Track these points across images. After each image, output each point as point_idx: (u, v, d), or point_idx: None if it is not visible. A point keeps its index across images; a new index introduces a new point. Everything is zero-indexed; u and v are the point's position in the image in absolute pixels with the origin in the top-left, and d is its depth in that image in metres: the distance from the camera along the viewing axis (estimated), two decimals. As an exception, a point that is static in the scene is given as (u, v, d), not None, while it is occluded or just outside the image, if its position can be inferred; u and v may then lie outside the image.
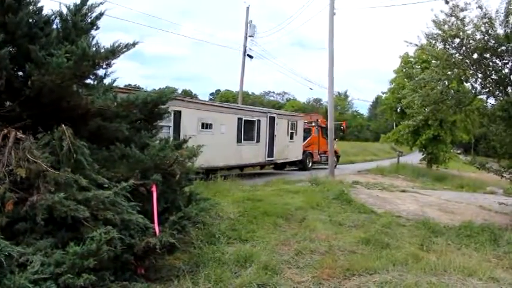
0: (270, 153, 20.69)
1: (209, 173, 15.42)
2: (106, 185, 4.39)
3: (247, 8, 30.24)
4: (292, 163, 23.84)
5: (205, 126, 16.30)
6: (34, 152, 4.04)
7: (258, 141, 19.76)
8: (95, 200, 4.05)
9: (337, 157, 28.45)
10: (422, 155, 33.42)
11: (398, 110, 32.66)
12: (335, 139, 23.03)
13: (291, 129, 22.81)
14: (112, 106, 4.94)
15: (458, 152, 37.73)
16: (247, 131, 18.90)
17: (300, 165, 24.37)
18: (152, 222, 4.65)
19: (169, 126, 14.19)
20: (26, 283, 3.31)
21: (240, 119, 18.47)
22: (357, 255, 6.25)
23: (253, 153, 19.40)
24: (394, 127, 35.30)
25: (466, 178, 25.41)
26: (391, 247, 6.81)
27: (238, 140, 18.37)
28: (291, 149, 22.68)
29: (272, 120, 20.81)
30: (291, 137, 22.85)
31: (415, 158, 35.94)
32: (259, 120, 19.85)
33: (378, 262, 5.79)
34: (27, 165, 3.95)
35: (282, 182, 14.90)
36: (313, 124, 26.82)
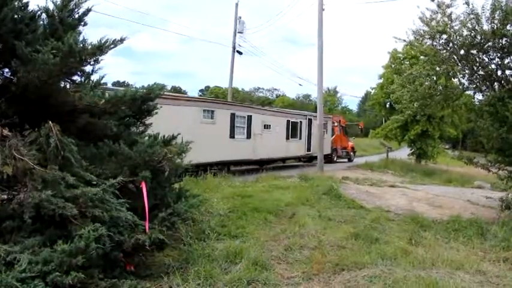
0: (308, 147, 25.30)
1: (268, 163, 22.10)
2: (94, 182, 4.35)
3: (236, 4, 30.19)
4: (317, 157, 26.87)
5: (266, 127, 20.90)
6: (21, 149, 3.99)
7: (300, 138, 24.53)
8: (83, 197, 4.01)
9: (354, 152, 33.59)
10: (411, 150, 33.62)
11: (387, 106, 32.84)
12: (352, 137, 28.99)
13: (323, 128, 25.90)
14: (100, 103, 4.90)
15: (447, 147, 38.07)
16: (293, 130, 23.61)
17: (328, 158, 27.32)
18: (141, 219, 4.64)
19: (244, 127, 18.99)
20: (14, 282, 3.29)
21: (288, 121, 23.26)
22: (346, 250, 6.29)
23: (297, 147, 24.19)
24: (383, 122, 35.46)
25: (454, 173, 25.63)
26: (380, 242, 6.87)
27: (287, 137, 23.05)
28: (323, 144, 25.49)
29: (310, 121, 25.40)
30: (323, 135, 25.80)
31: (403, 153, 36.19)
32: (301, 122, 24.65)
33: (367, 257, 5.84)
34: (14, 162, 3.90)
35: (272, 178, 14.92)
36: (336, 124, 30.87)
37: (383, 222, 8.54)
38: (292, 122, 23.62)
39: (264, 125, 20.70)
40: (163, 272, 4.90)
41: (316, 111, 22.98)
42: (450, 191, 14.64)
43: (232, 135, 18.35)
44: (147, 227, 4.63)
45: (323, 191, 11.79)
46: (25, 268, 3.45)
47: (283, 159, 24.49)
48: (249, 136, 19.27)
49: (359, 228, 7.58)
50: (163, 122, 12.72)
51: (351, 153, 32.97)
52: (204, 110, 16.94)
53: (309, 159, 26.62)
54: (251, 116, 19.44)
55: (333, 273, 5.29)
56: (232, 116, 18.37)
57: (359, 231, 7.35)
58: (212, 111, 17.35)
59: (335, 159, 29.51)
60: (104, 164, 4.84)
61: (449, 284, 4.78)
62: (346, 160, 31.20)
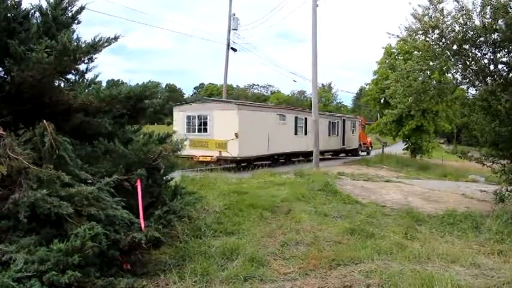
0: (343, 143, 32.22)
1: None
2: (90, 181, 4.35)
3: (230, 0, 30.11)
4: (350, 150, 34.08)
5: None
6: (15, 148, 3.97)
7: (337, 135, 31.06)
8: (78, 196, 4.00)
9: (371, 147, 39.59)
10: (405, 145, 33.78)
11: (382, 101, 32.90)
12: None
13: (352, 127, 34.70)
14: (94, 101, 4.88)
15: (441, 141, 38.34)
16: (332, 128, 30.07)
17: (354, 152, 34.45)
18: (137, 217, 4.64)
19: (302, 127, 24.94)
20: (10, 281, 3.28)
21: (329, 121, 29.66)
22: (342, 246, 6.32)
23: (335, 142, 30.79)
24: (378, 118, 35.70)
25: (449, 167, 25.81)
26: (376, 236, 6.89)
27: (329, 134, 29.24)
28: (352, 140, 34.38)
29: (343, 121, 32.51)
30: (352, 132, 34.56)
31: (398, 148, 36.43)
32: (337, 122, 31.25)
33: (363, 252, 5.86)
34: (9, 162, 3.88)
35: (268, 175, 14.92)
36: (358, 123, 37.00)
37: (379, 217, 8.58)
38: (332, 122, 30.11)
39: None
40: (160, 270, 4.91)
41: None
42: (445, 185, 14.73)
43: (296, 133, 24.28)
44: (142, 225, 4.64)
45: (319, 186, 11.81)
46: (21, 268, 3.44)
47: (325, 152, 29.26)
48: (305, 133, 25.05)
49: (355, 224, 7.60)
50: (257, 123, 20.00)
51: (369, 148, 38.90)
52: (278, 114, 22.90)
53: (336, 154, 32.42)
54: (306, 118, 25.05)
55: (329, 269, 5.30)
56: (296, 118, 24.36)
57: (355, 226, 7.37)
58: (284, 115, 23.30)
59: (360, 152, 35.71)
60: (99, 163, 4.83)
61: (444, 277, 4.80)
62: (365, 153, 36.41)
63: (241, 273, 4.87)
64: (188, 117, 20.84)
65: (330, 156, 31.04)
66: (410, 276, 4.82)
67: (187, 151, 18.62)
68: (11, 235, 3.84)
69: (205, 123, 20.23)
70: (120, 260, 4.51)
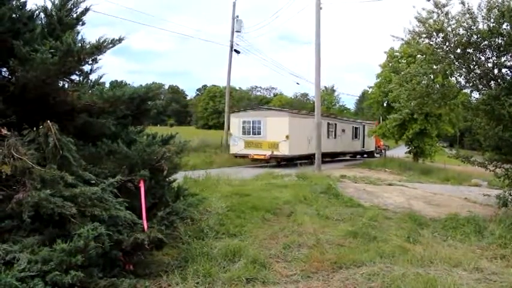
0: (363, 145, 36.99)
1: (339, 155, 32.39)
2: (93, 181, 4.35)
3: (234, 3, 30.29)
4: (368, 152, 38.41)
5: (343, 131, 31.84)
6: (19, 148, 3.98)
7: (358, 138, 35.80)
8: (82, 196, 4.01)
9: (384, 149, 41.94)
10: (408, 148, 33.70)
11: (385, 104, 32.84)
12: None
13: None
14: (98, 102, 4.90)
15: (444, 145, 38.33)
16: (355, 133, 35.11)
17: (371, 154, 38.63)
18: (140, 218, 4.64)
19: (333, 131, 29.47)
20: (13, 281, 3.29)
21: (353, 127, 34.90)
22: (344, 248, 6.31)
23: (357, 145, 35.95)
24: (381, 121, 35.61)
25: (452, 171, 25.68)
26: (378, 240, 6.88)
27: (352, 138, 34.38)
28: (370, 143, 38.61)
29: (363, 127, 37.03)
30: (370, 136, 37.28)
31: (401, 151, 36.45)
32: (359, 127, 36.19)
33: (365, 255, 5.86)
34: (13, 162, 3.90)
35: (270, 177, 14.91)
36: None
37: (381, 220, 8.56)
38: (355, 127, 35.24)
39: (342, 129, 31.39)
40: (162, 271, 4.92)
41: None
42: (447, 189, 14.69)
43: (328, 136, 28.13)
44: (145, 226, 4.64)
45: (321, 189, 11.78)
46: (24, 267, 3.45)
47: (348, 153, 34.99)
48: (335, 137, 29.99)
49: (357, 226, 7.59)
50: (301, 127, 24.87)
51: (382, 150, 41.58)
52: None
53: (353, 155, 36.69)
54: (336, 123, 30.44)
55: (332, 271, 5.31)
56: (328, 124, 28.46)
57: (357, 229, 7.36)
58: (320, 121, 25.20)
59: (375, 154, 39.70)
60: (102, 163, 4.85)
61: (447, 281, 4.80)
62: (379, 155, 39.29)
63: (244, 275, 4.88)
64: (244, 122, 25.18)
65: (349, 158, 35.11)
66: (413, 280, 4.82)
67: (242, 151, 24.76)
68: (15, 235, 3.85)
69: (259, 127, 24.56)
70: (122, 261, 4.53)
